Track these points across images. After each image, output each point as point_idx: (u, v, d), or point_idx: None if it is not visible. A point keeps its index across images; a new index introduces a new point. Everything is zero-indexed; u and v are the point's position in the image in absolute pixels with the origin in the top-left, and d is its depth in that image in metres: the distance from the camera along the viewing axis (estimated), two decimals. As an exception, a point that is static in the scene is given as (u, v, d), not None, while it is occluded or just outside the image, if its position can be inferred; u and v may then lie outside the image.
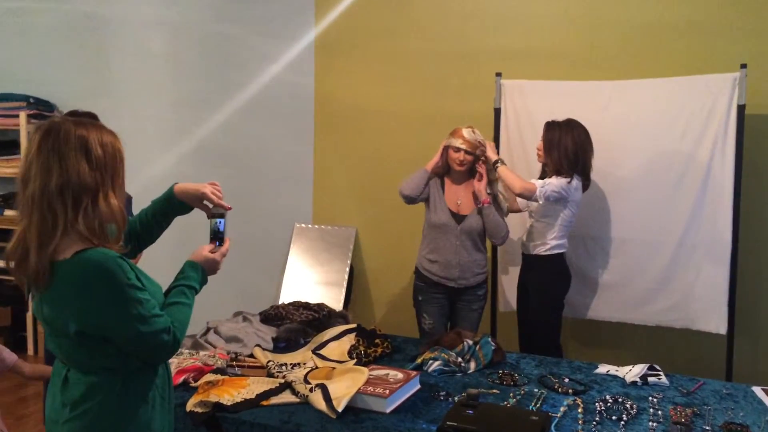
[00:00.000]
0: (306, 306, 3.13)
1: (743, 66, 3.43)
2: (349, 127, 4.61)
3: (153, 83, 4.91)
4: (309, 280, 4.55)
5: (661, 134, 3.62)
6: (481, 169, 3.47)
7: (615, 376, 2.66)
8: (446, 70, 4.29)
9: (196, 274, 1.84)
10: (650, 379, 2.58)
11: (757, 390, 2.53)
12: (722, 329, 3.55)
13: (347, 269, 4.49)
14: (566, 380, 2.58)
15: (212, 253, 1.92)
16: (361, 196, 4.63)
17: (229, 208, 2.00)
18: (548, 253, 3.49)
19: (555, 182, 3.37)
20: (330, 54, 4.60)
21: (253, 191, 4.69)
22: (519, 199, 3.65)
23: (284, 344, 2.87)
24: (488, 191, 3.47)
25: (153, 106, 4.91)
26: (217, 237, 1.97)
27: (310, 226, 4.71)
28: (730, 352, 3.58)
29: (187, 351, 2.63)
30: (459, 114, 4.16)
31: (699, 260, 3.59)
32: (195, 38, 4.31)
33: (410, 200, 3.52)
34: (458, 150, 3.45)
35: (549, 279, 3.54)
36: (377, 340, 2.83)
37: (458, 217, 3.48)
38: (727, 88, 3.48)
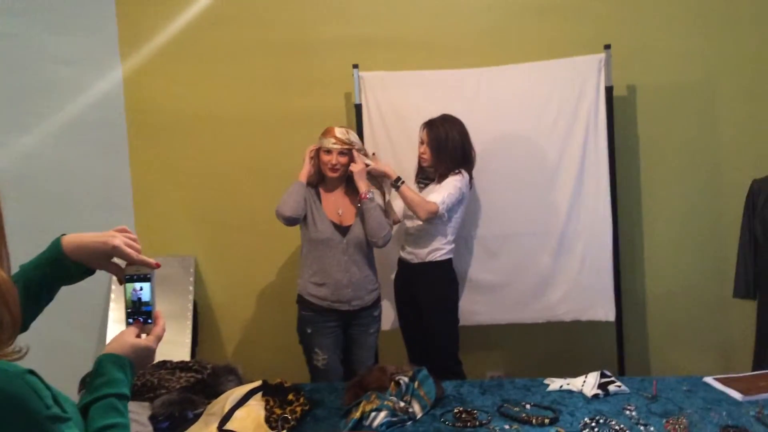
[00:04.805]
0: (182, 367, 2.39)
1: (607, 47, 3.35)
2: (173, 138, 3.81)
3: None
4: (141, 326, 3.68)
5: (534, 121, 3.43)
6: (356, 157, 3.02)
7: (570, 391, 2.35)
8: (289, 64, 3.70)
9: (123, 375, 1.13)
10: (610, 388, 2.31)
11: (710, 380, 2.38)
12: (611, 316, 3.45)
13: (190, 306, 3.71)
14: (527, 407, 2.22)
15: (140, 337, 1.21)
16: (198, 218, 3.86)
17: (157, 266, 1.27)
18: (441, 258, 3.14)
19: (451, 189, 3.03)
20: (141, 50, 3.76)
21: (53, 225, 3.60)
22: (397, 209, 3.24)
23: (167, 423, 2.14)
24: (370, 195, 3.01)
25: None
26: (140, 311, 1.24)
27: (134, 260, 3.82)
28: (620, 339, 3.50)
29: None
30: (309, 113, 3.64)
31: (583, 248, 3.45)
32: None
33: (292, 221, 2.93)
34: (329, 151, 2.95)
35: (443, 287, 3.20)
36: (290, 396, 2.24)
37: (342, 229, 2.98)
38: (594, 70, 3.38)
